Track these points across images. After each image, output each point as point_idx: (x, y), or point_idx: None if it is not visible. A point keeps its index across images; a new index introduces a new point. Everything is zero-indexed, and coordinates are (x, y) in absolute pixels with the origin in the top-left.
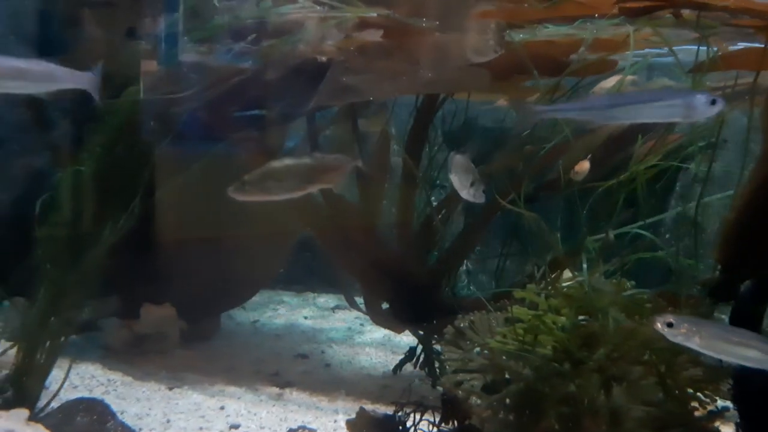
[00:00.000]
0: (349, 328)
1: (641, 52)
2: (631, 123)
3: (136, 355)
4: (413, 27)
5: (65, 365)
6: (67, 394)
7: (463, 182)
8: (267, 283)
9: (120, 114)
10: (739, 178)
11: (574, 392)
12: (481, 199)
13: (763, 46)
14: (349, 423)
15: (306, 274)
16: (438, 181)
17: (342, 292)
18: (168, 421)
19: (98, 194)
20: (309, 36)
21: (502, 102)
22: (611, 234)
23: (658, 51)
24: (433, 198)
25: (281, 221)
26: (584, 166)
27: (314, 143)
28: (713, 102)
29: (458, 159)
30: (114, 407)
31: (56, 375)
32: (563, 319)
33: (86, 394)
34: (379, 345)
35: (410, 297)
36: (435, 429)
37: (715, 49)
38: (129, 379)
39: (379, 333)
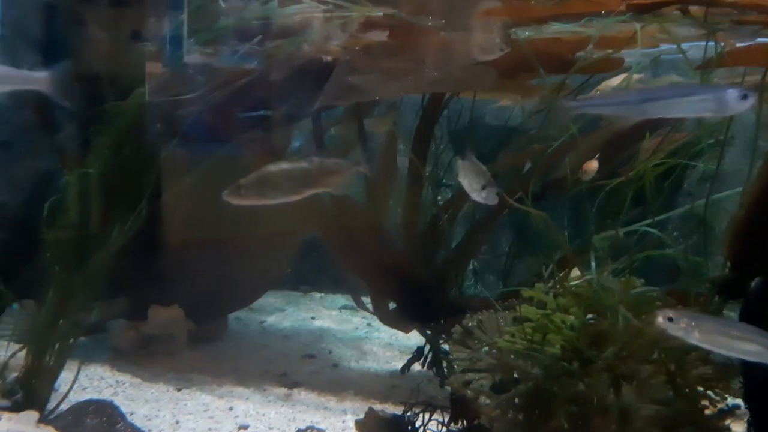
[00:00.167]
0: (357, 328)
1: (649, 50)
2: (658, 118)
3: (144, 357)
4: (419, 26)
5: (74, 367)
6: (76, 396)
7: (473, 185)
8: (274, 284)
9: (126, 116)
10: (748, 175)
11: (583, 391)
12: (494, 201)
13: None
14: (358, 423)
15: (313, 275)
16: (444, 181)
17: (349, 293)
18: (177, 422)
19: (105, 196)
20: (314, 36)
21: (506, 101)
22: (620, 232)
23: (664, 48)
24: (439, 197)
25: (288, 222)
26: (592, 165)
27: (320, 143)
28: (745, 96)
29: (466, 162)
30: (123, 409)
31: (65, 377)
32: (572, 317)
33: (95, 396)
34: (386, 345)
35: (417, 297)
36: (444, 429)
37: (722, 45)
38: (137, 380)
39: (387, 333)
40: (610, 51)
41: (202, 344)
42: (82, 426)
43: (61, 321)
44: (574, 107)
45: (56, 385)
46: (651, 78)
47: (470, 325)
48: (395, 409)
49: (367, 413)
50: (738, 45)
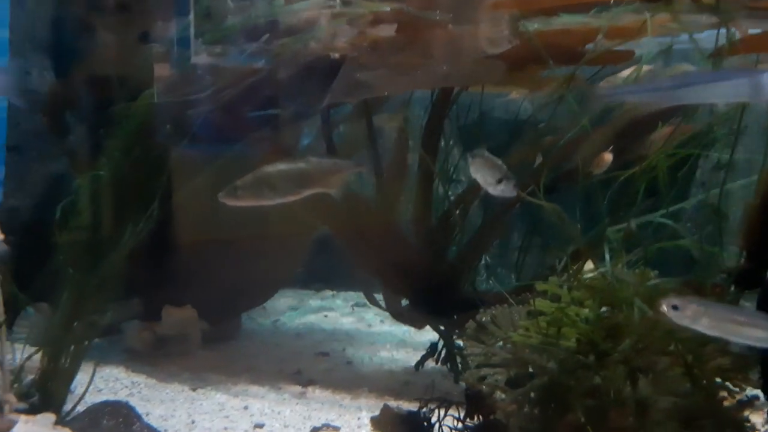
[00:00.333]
0: (370, 326)
1: (660, 39)
2: (693, 104)
3: (159, 357)
4: (426, 20)
5: (89, 369)
6: (92, 398)
7: (489, 180)
8: (286, 283)
9: (136, 117)
10: (762, 163)
11: (599, 384)
12: (512, 193)
13: None
14: (373, 420)
15: (325, 273)
16: (455, 176)
17: (361, 290)
18: (193, 422)
19: (117, 198)
20: (321, 33)
21: (516, 94)
22: (633, 223)
23: (673, 38)
24: (450, 192)
25: (298, 220)
26: (606, 158)
27: (329, 141)
28: None
29: (477, 157)
30: (139, 409)
31: (80, 379)
32: (587, 311)
33: (111, 397)
34: (399, 341)
35: (430, 292)
36: (460, 425)
37: (735, 31)
38: (153, 381)
39: (400, 329)
40: (619, 42)
41: (216, 344)
42: (98, 427)
43: (75, 323)
44: (607, 95)
45: (72, 386)
46: (662, 68)
47: (484, 320)
48: (410, 406)
49: (382, 410)
50: (751, 32)
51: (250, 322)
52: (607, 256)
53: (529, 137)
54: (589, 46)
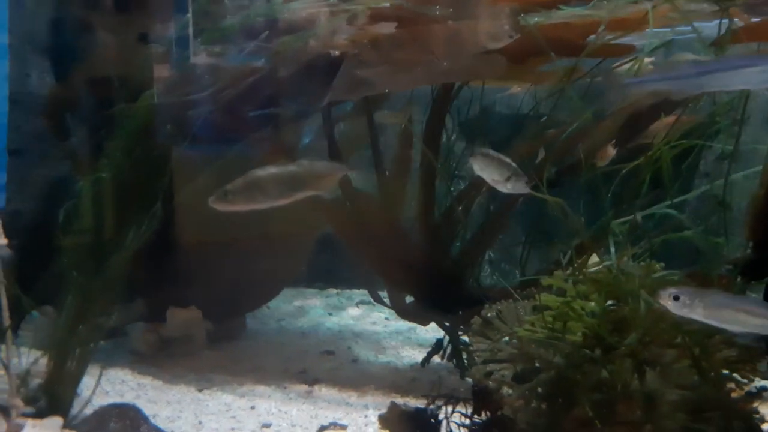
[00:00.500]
0: (374, 323)
1: (662, 30)
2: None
3: (165, 359)
4: (426, 16)
5: (95, 372)
6: (99, 400)
7: (497, 178)
8: (290, 282)
9: (137, 118)
10: (767, 153)
11: (606, 378)
12: (525, 189)
13: None
14: (381, 418)
15: (328, 271)
16: (457, 172)
17: (365, 288)
18: (200, 423)
19: (120, 200)
20: (321, 31)
21: (516, 89)
22: (638, 216)
23: (673, 29)
24: (452, 189)
25: (301, 219)
26: (609, 152)
27: (331, 139)
28: None
29: (481, 156)
30: (146, 411)
31: (87, 382)
32: (592, 304)
33: (118, 400)
34: (404, 338)
35: (435, 289)
36: (467, 421)
37: (736, 21)
38: (159, 382)
39: (405, 326)
40: (621, 34)
41: (221, 344)
42: (106, 430)
43: (81, 326)
44: (632, 85)
45: (79, 390)
46: (663, 58)
47: (489, 315)
48: (417, 403)
49: (389, 407)
50: (753, 20)
51: (255, 321)
52: (612, 249)
53: (531, 131)
54: (591, 38)
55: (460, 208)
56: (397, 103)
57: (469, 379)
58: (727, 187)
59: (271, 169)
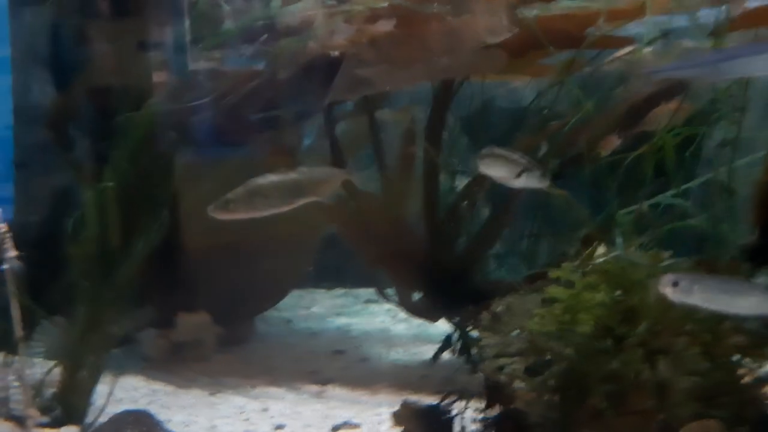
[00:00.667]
0: (383, 321)
1: (660, 18)
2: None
3: (176, 364)
4: (424, 13)
5: (108, 380)
6: (113, 408)
7: (508, 174)
8: (298, 283)
9: (141, 126)
10: None
11: (618, 368)
12: (543, 183)
13: None
14: (394, 415)
15: (335, 271)
16: (460, 167)
17: (373, 286)
18: (214, 427)
19: (127, 207)
20: (319, 32)
21: (518, 82)
22: (644, 205)
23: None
24: (456, 184)
25: (306, 220)
26: (612, 142)
27: (333, 140)
28: None
29: (486, 155)
30: (159, 417)
31: (100, 390)
32: (601, 295)
33: (131, 406)
34: (413, 336)
35: (442, 285)
36: (480, 415)
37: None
38: (171, 388)
39: (413, 324)
40: (620, 24)
41: (231, 347)
42: None
43: (92, 335)
44: (656, 73)
45: (92, 398)
46: (661, 47)
47: (498, 309)
48: (430, 399)
49: (402, 404)
50: (750, 5)
51: (263, 323)
52: (619, 239)
53: (533, 125)
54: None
55: (464, 202)
56: (397, 102)
57: (480, 375)
58: (730, 174)
59: (271, 177)
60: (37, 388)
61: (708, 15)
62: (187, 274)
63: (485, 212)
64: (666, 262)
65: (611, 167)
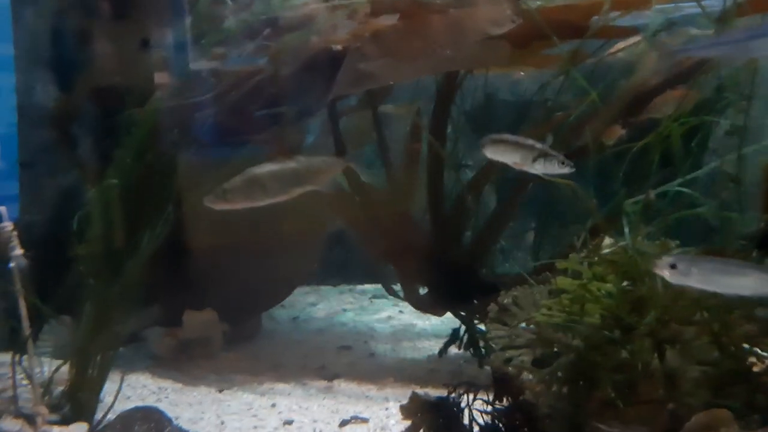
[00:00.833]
0: (389, 316)
1: (665, 6)
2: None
3: (183, 361)
4: (427, 5)
5: (116, 377)
6: (121, 405)
7: (520, 161)
8: (304, 279)
9: (145, 125)
10: None
11: (627, 359)
12: (564, 168)
13: None
14: (402, 408)
15: (341, 267)
16: (464, 161)
17: (379, 281)
18: (222, 423)
19: (132, 206)
20: (321, 27)
21: (521, 74)
22: (651, 194)
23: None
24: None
25: (312, 216)
26: (616, 132)
27: (336, 135)
28: None
29: (489, 143)
30: (168, 413)
31: (109, 387)
32: (609, 285)
33: (139, 404)
34: (420, 330)
35: (449, 279)
36: (489, 408)
37: None
38: (179, 385)
39: (420, 318)
40: (624, 13)
41: (238, 344)
42: None
43: (100, 333)
44: (678, 52)
45: (101, 396)
46: (666, 34)
47: (506, 302)
48: (437, 392)
49: (410, 398)
50: None
51: (270, 320)
52: (627, 229)
53: (538, 116)
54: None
55: (470, 196)
56: (401, 96)
57: (488, 367)
58: (737, 163)
59: (269, 166)
60: (46, 386)
61: (713, 3)
62: (194, 272)
63: (491, 205)
64: (674, 252)
65: (617, 157)
